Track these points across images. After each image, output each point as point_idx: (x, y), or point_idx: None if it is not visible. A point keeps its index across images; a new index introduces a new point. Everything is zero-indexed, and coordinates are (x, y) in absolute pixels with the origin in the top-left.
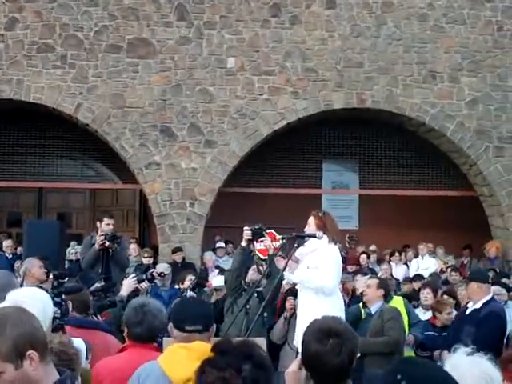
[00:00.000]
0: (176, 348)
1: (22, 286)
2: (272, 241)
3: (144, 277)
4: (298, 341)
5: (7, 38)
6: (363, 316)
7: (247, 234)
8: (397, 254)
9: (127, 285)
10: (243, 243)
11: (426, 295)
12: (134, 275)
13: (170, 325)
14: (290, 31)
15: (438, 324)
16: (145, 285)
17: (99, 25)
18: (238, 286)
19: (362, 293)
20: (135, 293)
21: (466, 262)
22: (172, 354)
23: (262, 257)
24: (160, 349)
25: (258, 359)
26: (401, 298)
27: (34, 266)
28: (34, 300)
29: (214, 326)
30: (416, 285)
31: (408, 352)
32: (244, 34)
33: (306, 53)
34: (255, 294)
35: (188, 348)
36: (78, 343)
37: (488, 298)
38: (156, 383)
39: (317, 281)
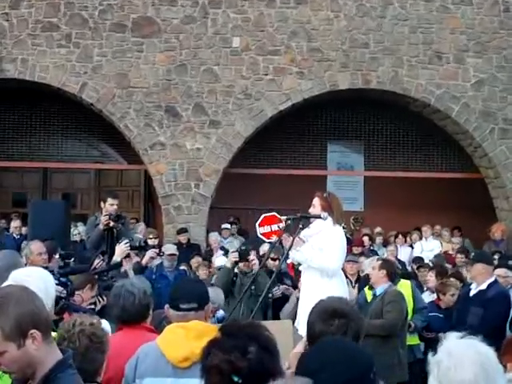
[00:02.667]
0: (173, 328)
1: None
2: (275, 223)
3: (137, 244)
4: (298, 322)
5: (12, 16)
6: (369, 298)
7: (234, 255)
8: (400, 236)
9: (120, 250)
10: (228, 264)
11: (429, 278)
12: (126, 241)
13: (167, 306)
14: (296, 11)
15: (442, 306)
16: (133, 252)
17: (104, 3)
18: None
19: (367, 275)
20: (140, 266)
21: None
22: (170, 333)
23: (266, 240)
24: (153, 329)
25: (264, 341)
26: (409, 282)
27: (32, 252)
28: (36, 279)
29: (210, 304)
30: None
31: (411, 337)
32: (249, 13)
33: (312, 33)
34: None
35: (185, 327)
36: (104, 325)
37: (492, 279)
38: (154, 363)
39: (320, 261)
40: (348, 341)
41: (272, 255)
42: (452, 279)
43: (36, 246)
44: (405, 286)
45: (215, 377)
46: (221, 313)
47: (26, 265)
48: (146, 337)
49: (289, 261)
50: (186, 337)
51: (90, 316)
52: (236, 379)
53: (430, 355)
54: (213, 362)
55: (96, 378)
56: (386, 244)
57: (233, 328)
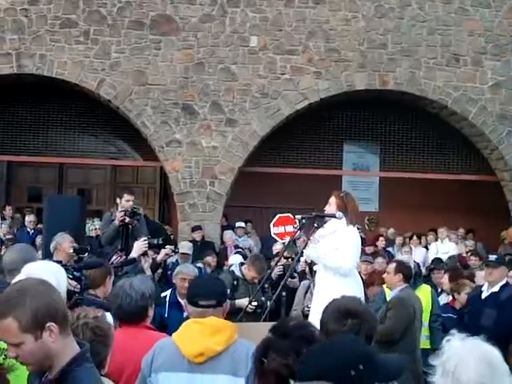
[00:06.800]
0: (190, 323)
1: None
2: (289, 223)
3: (155, 242)
4: (311, 320)
5: (31, 12)
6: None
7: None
8: (415, 237)
9: (137, 247)
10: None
11: (444, 280)
12: (145, 238)
13: (185, 301)
14: (314, 11)
15: (457, 306)
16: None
17: (122, 1)
18: None
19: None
20: (155, 262)
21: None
22: (186, 329)
23: (280, 240)
24: (153, 328)
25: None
26: (429, 288)
27: (65, 240)
28: (48, 274)
29: (228, 301)
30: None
31: (423, 341)
32: (267, 12)
33: (330, 33)
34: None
35: (201, 323)
36: (108, 318)
37: (504, 281)
38: (169, 357)
39: (334, 260)
40: (346, 337)
41: (286, 254)
42: (466, 281)
43: (68, 236)
44: (424, 291)
45: (271, 380)
46: None
47: (52, 256)
48: (146, 333)
49: (302, 259)
50: (201, 332)
51: (94, 309)
52: (293, 383)
53: (433, 356)
54: (270, 366)
55: (100, 370)
56: (401, 245)
57: (285, 329)
